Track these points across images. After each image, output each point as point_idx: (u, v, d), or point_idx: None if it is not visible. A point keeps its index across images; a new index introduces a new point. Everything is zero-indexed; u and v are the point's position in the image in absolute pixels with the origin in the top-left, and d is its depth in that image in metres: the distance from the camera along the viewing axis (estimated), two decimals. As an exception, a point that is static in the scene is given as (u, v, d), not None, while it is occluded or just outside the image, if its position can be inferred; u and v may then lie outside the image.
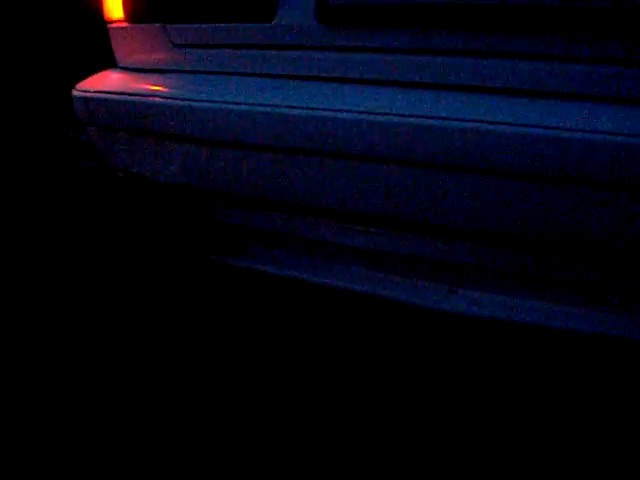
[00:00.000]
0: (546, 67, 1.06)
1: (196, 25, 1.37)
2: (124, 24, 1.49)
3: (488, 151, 1.06)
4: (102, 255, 1.78)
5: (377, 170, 1.17)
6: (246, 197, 1.37)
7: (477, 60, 1.10)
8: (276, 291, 1.55)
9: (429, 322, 1.40)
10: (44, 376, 1.36)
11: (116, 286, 1.66)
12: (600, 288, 1.19)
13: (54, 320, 1.54)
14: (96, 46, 1.81)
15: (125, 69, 1.54)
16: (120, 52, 1.54)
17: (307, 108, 1.19)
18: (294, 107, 1.21)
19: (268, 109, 1.22)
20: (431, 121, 1.10)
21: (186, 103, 1.31)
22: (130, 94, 1.40)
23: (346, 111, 1.16)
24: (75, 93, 1.49)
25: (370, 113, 1.14)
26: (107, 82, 1.48)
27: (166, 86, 1.40)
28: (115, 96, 1.42)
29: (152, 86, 1.41)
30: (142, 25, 1.46)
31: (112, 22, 1.51)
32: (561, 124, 1.01)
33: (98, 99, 1.44)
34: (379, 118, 1.14)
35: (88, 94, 1.46)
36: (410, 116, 1.12)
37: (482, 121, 1.06)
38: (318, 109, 1.18)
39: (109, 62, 1.58)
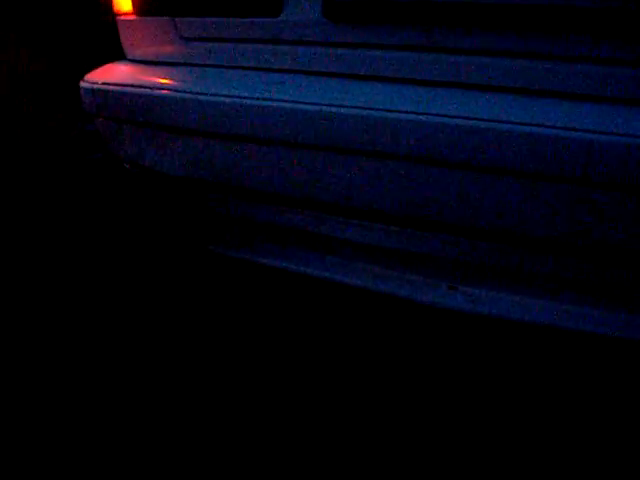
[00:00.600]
0: (554, 66, 1.07)
1: (204, 19, 1.38)
2: (133, 17, 1.50)
3: (491, 148, 1.07)
4: (104, 245, 1.79)
5: (379, 166, 1.18)
6: (250, 190, 1.39)
7: (479, 58, 1.11)
8: (275, 284, 1.56)
9: (429, 318, 1.42)
10: (43, 370, 1.36)
11: (117, 276, 1.68)
12: (598, 286, 1.21)
13: (56, 309, 1.55)
14: (106, 38, 1.83)
15: (133, 61, 1.55)
16: (128, 45, 1.55)
17: (312, 103, 1.20)
18: (299, 102, 1.22)
19: (273, 104, 1.23)
20: (434, 118, 1.11)
21: (193, 96, 1.32)
22: (138, 86, 1.41)
23: (352, 107, 1.17)
24: (83, 84, 1.50)
25: (375, 109, 1.15)
26: (115, 74, 1.49)
27: (174, 79, 1.41)
28: (123, 88, 1.43)
29: (160, 79, 1.42)
30: (151, 18, 1.47)
31: (121, 15, 1.53)
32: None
33: (105, 91, 1.45)
34: (383, 114, 1.15)
35: (96, 85, 1.47)
36: (413, 113, 1.13)
37: (484, 119, 1.07)
38: (323, 105, 1.19)
39: (118, 54, 1.60)
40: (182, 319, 1.52)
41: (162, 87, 1.38)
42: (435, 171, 1.13)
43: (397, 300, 1.40)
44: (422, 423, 1.19)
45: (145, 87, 1.40)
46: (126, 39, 1.55)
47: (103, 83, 1.47)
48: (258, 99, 1.26)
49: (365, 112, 1.15)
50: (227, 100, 1.29)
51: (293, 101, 1.22)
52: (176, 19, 1.42)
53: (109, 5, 1.56)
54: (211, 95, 1.31)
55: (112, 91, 1.44)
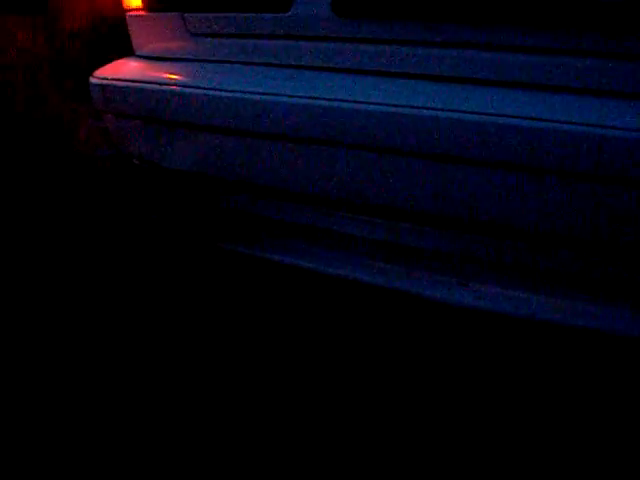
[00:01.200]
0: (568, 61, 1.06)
1: (213, 14, 1.38)
2: (142, 12, 1.50)
3: (501, 144, 1.06)
4: (114, 242, 1.79)
5: (390, 161, 1.17)
6: (260, 185, 1.38)
7: (488, 53, 1.10)
8: (285, 280, 1.56)
9: (439, 314, 1.41)
10: (45, 365, 1.36)
11: (126, 273, 1.68)
12: (609, 285, 1.19)
13: (62, 305, 1.55)
14: (116, 35, 1.83)
15: (142, 57, 1.55)
16: (137, 40, 1.55)
17: (321, 98, 1.20)
18: (307, 97, 1.21)
19: (282, 99, 1.23)
20: (443, 113, 1.10)
21: (202, 92, 1.32)
22: (147, 82, 1.41)
23: (360, 102, 1.17)
24: (92, 80, 1.51)
25: (384, 105, 1.15)
26: (124, 70, 1.50)
27: (183, 75, 1.41)
28: (132, 84, 1.43)
29: (169, 74, 1.42)
30: (160, 14, 1.47)
31: (130, 10, 1.53)
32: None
33: (114, 86, 1.46)
34: (393, 110, 1.14)
35: (105, 81, 1.47)
36: (425, 108, 1.12)
37: (492, 114, 1.06)
38: (332, 99, 1.19)
39: (128, 51, 1.60)
40: (190, 316, 1.52)
41: (171, 83, 1.38)
42: (449, 166, 1.12)
43: (408, 296, 1.39)
44: (425, 420, 1.18)
45: (154, 83, 1.40)
46: (135, 35, 1.55)
47: (112, 79, 1.47)
48: (267, 94, 1.26)
49: (374, 107, 1.15)
50: (236, 95, 1.29)
51: (301, 96, 1.22)
52: (185, 14, 1.42)
53: (119, 1, 1.56)
54: (220, 90, 1.31)
55: (121, 87, 1.45)
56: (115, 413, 1.22)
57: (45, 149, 2.32)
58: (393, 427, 1.17)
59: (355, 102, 1.17)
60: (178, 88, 1.36)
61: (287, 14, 1.28)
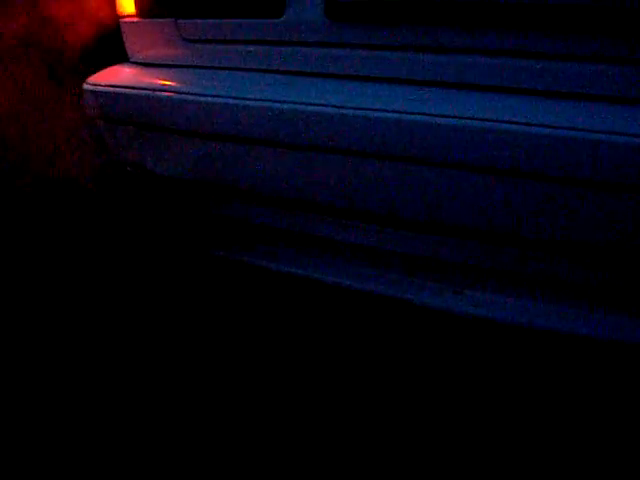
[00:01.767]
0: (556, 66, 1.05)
1: (206, 21, 1.37)
2: (135, 19, 1.50)
3: (497, 150, 1.05)
4: (106, 248, 1.78)
5: (383, 167, 1.16)
6: (250, 192, 1.37)
7: (483, 58, 1.10)
8: (277, 287, 1.55)
9: (434, 323, 1.40)
10: (44, 372, 1.36)
11: (119, 280, 1.67)
12: (603, 291, 1.18)
13: (56, 311, 1.55)
14: (110, 41, 1.82)
15: (136, 64, 1.54)
16: (131, 47, 1.55)
17: (314, 104, 1.19)
18: (301, 104, 1.21)
19: (275, 105, 1.22)
20: (438, 120, 1.10)
21: (195, 98, 1.32)
22: (140, 88, 1.40)
23: (354, 109, 1.16)
24: (85, 86, 1.50)
25: (377, 111, 1.14)
26: (118, 76, 1.49)
27: (176, 81, 1.40)
28: (125, 90, 1.42)
29: (162, 81, 1.41)
30: (153, 20, 1.46)
31: (124, 17, 1.52)
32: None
33: (107, 93, 1.45)
34: (386, 115, 1.13)
35: (98, 87, 1.47)
36: (419, 114, 1.11)
37: (487, 120, 1.05)
38: (325, 106, 1.18)
39: (122, 57, 1.59)
40: (183, 322, 1.51)
41: (164, 89, 1.37)
42: (442, 172, 1.11)
43: (401, 304, 1.38)
44: (422, 425, 1.17)
45: (147, 89, 1.39)
46: (129, 41, 1.55)
47: (106, 85, 1.46)
48: (260, 100, 1.25)
49: (367, 113, 1.14)
50: (229, 102, 1.28)
51: (294, 102, 1.21)
52: (178, 21, 1.42)
53: (112, 7, 1.56)
54: (213, 97, 1.30)
55: (114, 93, 1.44)
56: (113, 413, 1.21)
57: (39, 157, 2.31)
58: (383, 432, 1.16)
59: (349, 108, 1.16)
60: (170, 94, 1.35)
61: (280, 19, 1.27)
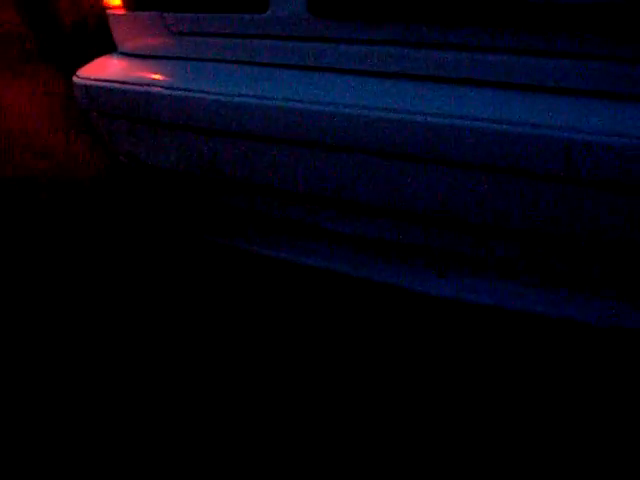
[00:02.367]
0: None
1: (192, 14, 1.39)
2: (122, 11, 1.51)
3: (468, 144, 1.09)
4: (101, 235, 1.82)
5: (362, 160, 1.20)
6: (238, 182, 1.42)
7: (461, 53, 1.13)
8: (268, 271, 1.60)
9: (420, 307, 1.45)
10: (38, 366, 1.37)
11: (112, 267, 1.71)
12: (582, 276, 1.24)
13: (49, 301, 1.58)
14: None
15: (124, 55, 1.56)
16: (119, 38, 1.56)
17: (296, 100, 1.23)
18: (283, 98, 1.24)
19: (254, 101, 1.26)
20: (416, 116, 1.13)
21: (180, 93, 1.35)
22: (127, 83, 1.43)
23: (335, 104, 1.20)
24: (76, 80, 1.52)
25: (356, 106, 1.18)
26: (105, 70, 1.51)
27: (162, 74, 1.43)
28: (113, 84, 1.45)
29: (149, 74, 1.44)
30: (139, 12, 1.48)
31: (110, 8, 1.53)
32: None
33: (97, 87, 1.47)
34: (368, 111, 1.17)
35: (88, 82, 1.49)
36: (396, 110, 1.15)
37: (455, 116, 1.09)
38: (308, 101, 1.22)
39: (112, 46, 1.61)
40: (175, 306, 1.55)
41: (151, 83, 1.40)
42: (419, 166, 1.15)
43: (388, 287, 1.44)
44: (391, 405, 1.23)
45: (134, 84, 1.42)
46: (116, 33, 1.56)
47: (95, 79, 1.48)
48: (245, 96, 1.28)
49: (346, 109, 1.18)
50: (212, 97, 1.31)
51: (274, 98, 1.25)
52: (164, 14, 1.43)
53: (98, -1, 1.57)
54: (198, 92, 1.33)
55: (103, 87, 1.46)
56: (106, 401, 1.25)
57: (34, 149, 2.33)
58: (356, 413, 1.22)
59: (331, 103, 1.20)
60: (157, 89, 1.38)
61: (264, 15, 1.29)
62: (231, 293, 1.60)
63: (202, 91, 1.33)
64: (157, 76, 1.42)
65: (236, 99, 1.29)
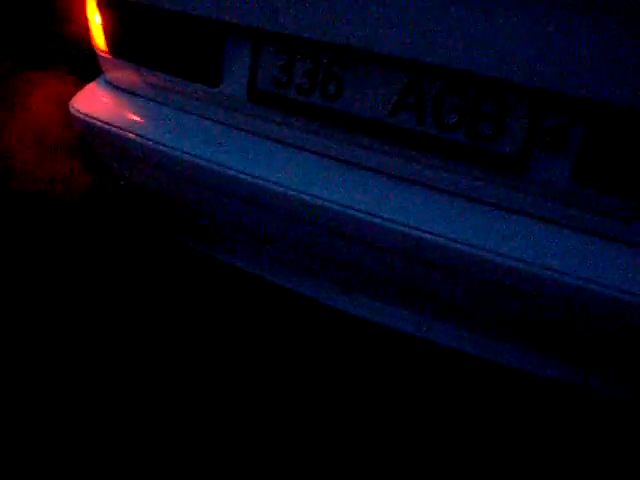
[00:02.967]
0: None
1: (162, 74, 1.70)
2: (108, 55, 1.81)
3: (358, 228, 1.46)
4: (89, 238, 2.15)
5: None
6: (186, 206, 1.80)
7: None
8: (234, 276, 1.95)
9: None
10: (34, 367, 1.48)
11: (102, 258, 2.06)
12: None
13: (35, 301, 1.85)
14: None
15: (110, 84, 1.88)
16: (106, 72, 1.87)
17: (232, 168, 1.57)
18: (218, 163, 1.59)
19: (194, 159, 1.62)
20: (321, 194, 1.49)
21: (146, 142, 1.68)
22: (110, 124, 1.75)
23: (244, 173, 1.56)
24: (71, 110, 1.84)
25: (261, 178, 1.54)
26: (93, 104, 1.82)
27: (136, 117, 1.74)
28: (98, 122, 1.77)
29: (127, 115, 1.76)
30: (122, 60, 1.78)
31: (98, 50, 1.83)
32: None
33: (86, 122, 1.80)
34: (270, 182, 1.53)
35: (79, 115, 1.81)
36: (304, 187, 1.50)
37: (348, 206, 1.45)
38: (238, 170, 1.57)
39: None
40: (151, 290, 1.92)
41: (126, 128, 1.72)
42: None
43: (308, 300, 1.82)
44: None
45: (114, 126, 1.75)
46: (104, 67, 1.87)
47: (84, 114, 1.81)
48: (193, 155, 1.62)
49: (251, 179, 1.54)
50: (169, 151, 1.65)
51: (210, 160, 1.60)
52: (141, 67, 1.73)
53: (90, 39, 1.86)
54: (160, 144, 1.67)
55: (90, 124, 1.79)
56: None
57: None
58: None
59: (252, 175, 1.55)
60: (132, 136, 1.71)
61: (216, 89, 1.61)
62: (194, 285, 1.98)
63: (159, 142, 1.67)
64: (132, 119, 1.75)
65: (177, 153, 1.64)
